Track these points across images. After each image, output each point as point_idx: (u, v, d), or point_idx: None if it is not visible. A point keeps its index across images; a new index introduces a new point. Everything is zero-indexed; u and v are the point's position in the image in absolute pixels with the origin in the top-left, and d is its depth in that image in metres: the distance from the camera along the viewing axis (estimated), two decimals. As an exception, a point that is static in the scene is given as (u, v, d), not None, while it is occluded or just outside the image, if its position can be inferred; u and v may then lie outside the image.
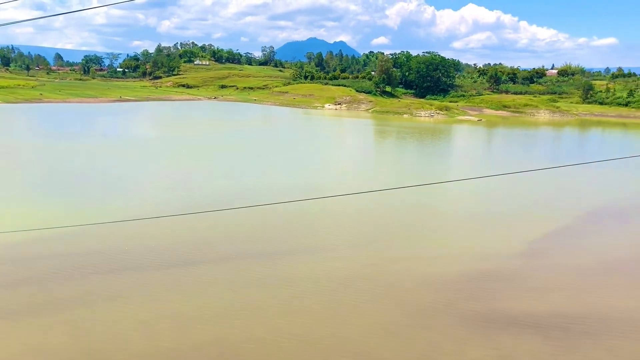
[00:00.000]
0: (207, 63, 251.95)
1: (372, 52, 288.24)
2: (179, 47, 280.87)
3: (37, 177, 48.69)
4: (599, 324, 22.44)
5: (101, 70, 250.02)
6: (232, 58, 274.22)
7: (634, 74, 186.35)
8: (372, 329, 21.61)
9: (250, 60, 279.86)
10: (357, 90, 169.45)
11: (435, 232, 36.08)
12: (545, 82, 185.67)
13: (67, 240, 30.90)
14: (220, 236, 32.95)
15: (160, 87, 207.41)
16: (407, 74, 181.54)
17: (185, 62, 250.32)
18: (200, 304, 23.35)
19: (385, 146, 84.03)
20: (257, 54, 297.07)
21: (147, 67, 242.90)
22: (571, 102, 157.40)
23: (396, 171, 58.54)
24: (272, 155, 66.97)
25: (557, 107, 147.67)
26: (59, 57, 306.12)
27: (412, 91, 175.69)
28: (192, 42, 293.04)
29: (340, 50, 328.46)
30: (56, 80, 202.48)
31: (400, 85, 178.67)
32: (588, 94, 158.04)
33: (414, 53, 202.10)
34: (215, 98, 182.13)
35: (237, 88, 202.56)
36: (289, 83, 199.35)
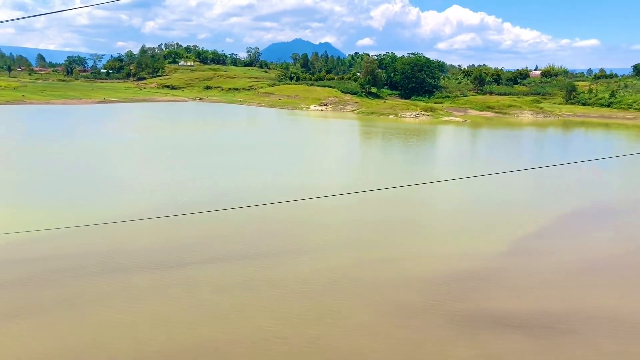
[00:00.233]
0: (192, 64, 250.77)
1: (358, 53, 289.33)
2: (164, 48, 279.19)
3: (18, 179, 48.04)
4: (584, 323, 22.67)
5: (85, 71, 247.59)
6: (217, 59, 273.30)
7: (616, 75, 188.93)
8: (358, 330, 21.62)
9: (235, 61, 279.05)
10: (342, 92, 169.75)
11: (420, 233, 36.23)
12: (528, 83, 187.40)
13: (49, 242, 30.52)
14: (205, 238, 32.72)
15: (144, 88, 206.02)
16: (392, 75, 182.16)
17: (169, 63, 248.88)
18: (186, 307, 23.19)
19: (371, 147, 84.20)
20: (242, 55, 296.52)
21: (131, 68, 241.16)
22: (554, 103, 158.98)
23: (381, 172, 58.66)
24: (258, 157, 66.78)
25: (541, 108, 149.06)
26: (41, 57, 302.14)
27: (398, 92, 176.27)
28: (177, 43, 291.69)
29: (325, 51, 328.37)
30: (39, 81, 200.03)
31: (386, 87, 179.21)
32: (571, 95, 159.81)
33: (399, 54, 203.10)
34: (200, 99, 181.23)
35: (222, 89, 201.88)
36: (274, 84, 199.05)
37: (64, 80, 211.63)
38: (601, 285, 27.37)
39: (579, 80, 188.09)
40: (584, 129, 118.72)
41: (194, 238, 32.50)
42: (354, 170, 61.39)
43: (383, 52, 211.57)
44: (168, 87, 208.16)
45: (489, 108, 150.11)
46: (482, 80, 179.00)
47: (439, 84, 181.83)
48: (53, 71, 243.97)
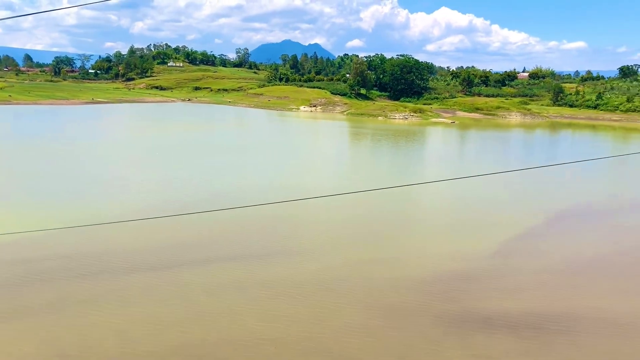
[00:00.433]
0: (181, 65, 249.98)
1: (347, 54, 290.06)
2: (152, 49, 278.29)
3: (3, 180, 47.64)
4: (571, 323, 22.89)
5: (72, 71, 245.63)
6: (206, 60, 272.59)
7: (602, 77, 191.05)
8: (349, 331, 21.68)
9: (224, 62, 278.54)
10: (332, 93, 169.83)
11: (410, 234, 36.39)
12: (516, 85, 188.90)
13: (37, 244, 30.31)
14: (196, 239, 32.64)
15: (133, 89, 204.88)
16: (381, 76, 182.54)
17: (158, 63, 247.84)
18: (176, 308, 23.13)
19: (361, 148, 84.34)
20: (232, 56, 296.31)
21: (119, 68, 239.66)
22: (542, 105, 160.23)
23: (371, 173, 58.78)
24: (248, 158, 66.65)
25: (529, 110, 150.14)
26: (28, 58, 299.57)
27: (387, 94, 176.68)
28: (166, 44, 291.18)
29: (315, 52, 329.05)
30: (26, 81, 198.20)
31: (375, 88, 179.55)
32: (558, 97, 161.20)
33: (388, 56, 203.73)
34: (189, 100, 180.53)
35: (211, 90, 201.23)
36: (263, 85, 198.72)
37: (51, 81, 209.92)
38: (590, 286, 27.65)
39: (566, 82, 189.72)
40: (571, 131, 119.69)
41: (184, 239, 32.39)
42: (344, 171, 61.45)
43: (372, 54, 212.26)
44: (157, 87, 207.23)
45: (477, 109, 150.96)
46: (471, 82, 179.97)
47: (427, 86, 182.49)
48: (40, 71, 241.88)
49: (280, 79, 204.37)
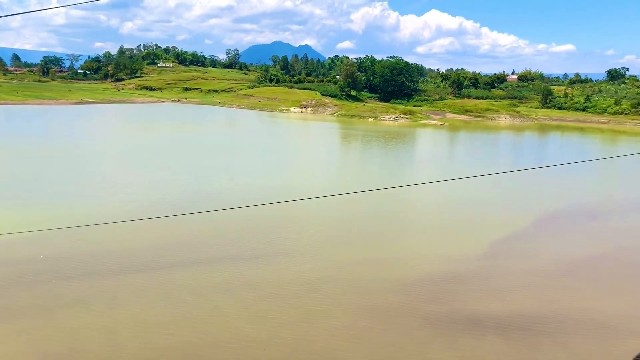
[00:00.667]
0: (171, 65, 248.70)
1: (337, 56, 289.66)
2: (142, 49, 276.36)
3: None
4: (559, 324, 23.00)
5: (61, 71, 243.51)
6: (196, 60, 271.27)
7: (591, 80, 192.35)
8: (337, 332, 21.64)
9: (214, 63, 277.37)
10: (322, 94, 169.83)
11: (398, 235, 36.41)
12: (506, 87, 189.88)
13: (24, 245, 30.03)
14: (183, 241, 32.49)
15: (122, 89, 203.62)
16: (371, 78, 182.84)
17: (148, 64, 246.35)
18: (164, 310, 22.98)
19: (351, 150, 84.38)
20: (222, 57, 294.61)
21: (109, 69, 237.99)
22: (531, 107, 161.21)
23: (361, 175, 58.83)
24: (237, 159, 66.46)
25: (518, 112, 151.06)
26: (16, 57, 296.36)
27: (377, 95, 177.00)
28: (156, 44, 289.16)
29: (305, 53, 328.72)
30: (14, 81, 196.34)
31: (365, 90, 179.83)
32: (547, 99, 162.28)
33: (378, 57, 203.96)
34: (179, 101, 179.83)
35: (202, 91, 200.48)
36: (254, 86, 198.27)
37: (39, 81, 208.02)
38: (578, 287, 27.81)
39: (555, 85, 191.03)
40: (560, 133, 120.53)
41: (172, 240, 32.23)
42: (334, 172, 61.45)
43: (363, 55, 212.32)
44: (146, 88, 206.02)
45: (466, 111, 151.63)
46: (460, 84, 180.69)
47: (417, 88, 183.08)
48: (29, 71, 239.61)
49: (271, 80, 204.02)
